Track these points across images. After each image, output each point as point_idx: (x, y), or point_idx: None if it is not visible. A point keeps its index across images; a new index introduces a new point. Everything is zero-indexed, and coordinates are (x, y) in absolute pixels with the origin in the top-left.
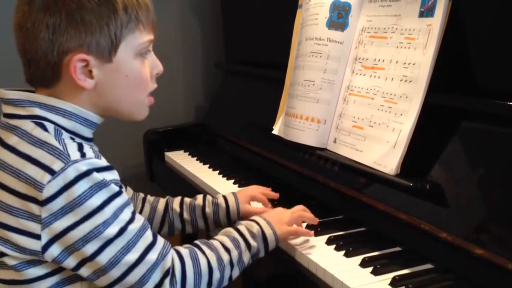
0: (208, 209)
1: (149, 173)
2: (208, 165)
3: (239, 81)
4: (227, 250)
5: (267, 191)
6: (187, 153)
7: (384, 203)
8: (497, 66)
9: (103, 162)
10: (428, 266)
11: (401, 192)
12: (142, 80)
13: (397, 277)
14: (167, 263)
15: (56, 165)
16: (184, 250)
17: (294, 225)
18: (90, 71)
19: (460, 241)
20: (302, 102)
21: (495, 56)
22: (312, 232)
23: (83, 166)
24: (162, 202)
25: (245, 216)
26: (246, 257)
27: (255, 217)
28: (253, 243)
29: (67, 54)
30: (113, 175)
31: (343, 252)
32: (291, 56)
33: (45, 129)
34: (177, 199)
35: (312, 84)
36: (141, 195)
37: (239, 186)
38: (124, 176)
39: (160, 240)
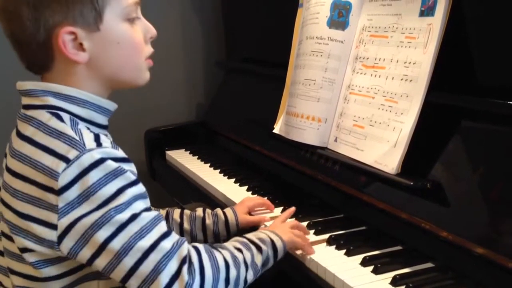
0: (208, 221)
1: (150, 172)
2: (209, 164)
3: (240, 79)
4: (239, 250)
5: (262, 199)
6: (188, 151)
7: (384, 202)
8: (498, 65)
9: (120, 152)
10: (429, 265)
11: (401, 191)
12: (136, 45)
13: (397, 276)
14: (183, 251)
15: (71, 153)
16: (198, 244)
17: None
18: (81, 44)
19: (460, 240)
20: (303, 101)
21: (495, 55)
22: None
23: (97, 154)
24: (162, 212)
25: (244, 226)
26: (259, 260)
27: (260, 230)
28: (263, 247)
29: (54, 30)
30: (130, 166)
31: (344, 251)
32: (292, 55)
33: (61, 119)
34: (177, 210)
35: (313, 83)
36: None
37: (240, 185)
38: None
39: (175, 233)
